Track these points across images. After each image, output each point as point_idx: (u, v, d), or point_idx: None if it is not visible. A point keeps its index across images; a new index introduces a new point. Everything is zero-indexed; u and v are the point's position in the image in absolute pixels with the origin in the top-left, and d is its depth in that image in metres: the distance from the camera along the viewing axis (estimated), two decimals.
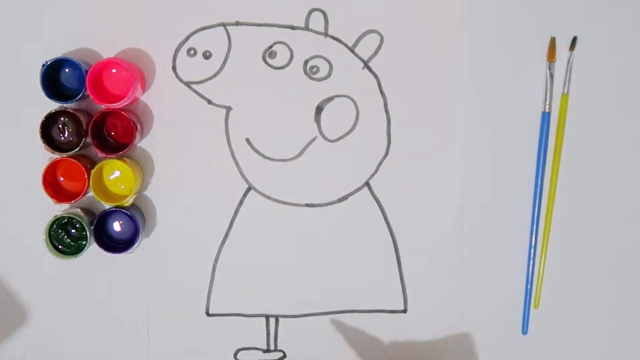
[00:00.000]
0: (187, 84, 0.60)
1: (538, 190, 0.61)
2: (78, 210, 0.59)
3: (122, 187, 0.59)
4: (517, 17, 0.60)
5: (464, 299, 0.62)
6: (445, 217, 0.61)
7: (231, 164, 0.61)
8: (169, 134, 0.60)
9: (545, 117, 0.60)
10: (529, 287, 0.62)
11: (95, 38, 0.60)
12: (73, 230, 0.59)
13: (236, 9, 0.60)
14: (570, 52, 0.60)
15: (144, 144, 0.61)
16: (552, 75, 0.60)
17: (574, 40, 0.60)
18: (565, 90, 0.60)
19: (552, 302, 0.62)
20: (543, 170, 0.61)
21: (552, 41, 0.59)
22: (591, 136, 0.61)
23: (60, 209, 0.59)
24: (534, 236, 0.61)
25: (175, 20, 0.60)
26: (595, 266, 0.62)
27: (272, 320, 0.62)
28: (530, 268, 0.61)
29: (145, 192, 0.61)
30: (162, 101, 0.60)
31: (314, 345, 0.62)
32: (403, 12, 0.60)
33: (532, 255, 0.61)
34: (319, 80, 0.60)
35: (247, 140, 0.61)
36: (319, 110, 0.61)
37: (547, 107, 0.60)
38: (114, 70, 0.58)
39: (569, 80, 0.60)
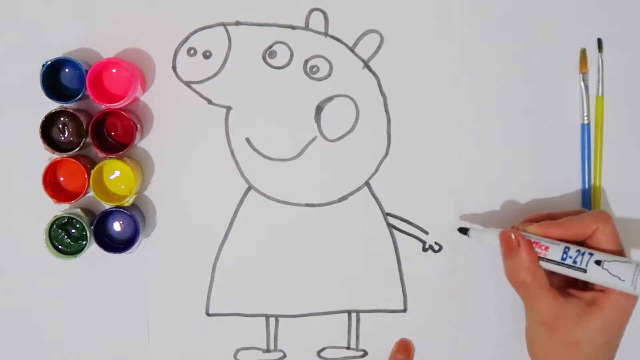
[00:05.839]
0: (187, 84, 0.60)
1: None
2: (78, 210, 0.59)
3: (122, 187, 0.59)
4: (516, 16, 0.60)
5: (464, 299, 0.61)
6: (445, 217, 0.61)
7: (231, 164, 0.61)
8: (169, 134, 0.60)
9: (585, 128, 0.60)
10: None
11: (95, 38, 0.60)
12: (73, 230, 0.59)
13: (236, 9, 0.60)
14: (599, 54, 0.60)
15: (144, 144, 0.61)
16: (587, 87, 0.59)
17: (600, 42, 0.60)
18: (600, 93, 0.60)
19: None
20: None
21: (583, 52, 0.59)
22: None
23: (60, 209, 0.59)
24: None
25: (175, 20, 0.60)
26: None
27: (272, 320, 0.62)
28: None
29: (145, 192, 0.61)
30: (162, 101, 0.60)
31: (314, 345, 0.62)
32: (403, 12, 0.60)
33: None
34: (319, 80, 0.60)
35: (247, 140, 0.61)
36: (319, 110, 0.61)
37: (585, 118, 0.60)
38: (114, 70, 0.58)
39: (602, 81, 0.60)
